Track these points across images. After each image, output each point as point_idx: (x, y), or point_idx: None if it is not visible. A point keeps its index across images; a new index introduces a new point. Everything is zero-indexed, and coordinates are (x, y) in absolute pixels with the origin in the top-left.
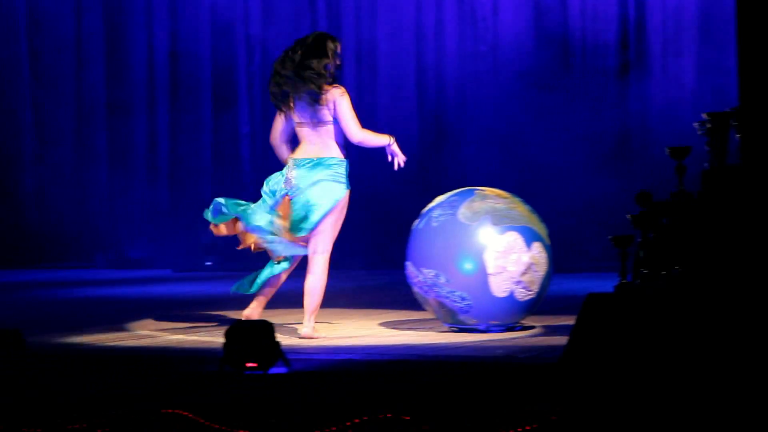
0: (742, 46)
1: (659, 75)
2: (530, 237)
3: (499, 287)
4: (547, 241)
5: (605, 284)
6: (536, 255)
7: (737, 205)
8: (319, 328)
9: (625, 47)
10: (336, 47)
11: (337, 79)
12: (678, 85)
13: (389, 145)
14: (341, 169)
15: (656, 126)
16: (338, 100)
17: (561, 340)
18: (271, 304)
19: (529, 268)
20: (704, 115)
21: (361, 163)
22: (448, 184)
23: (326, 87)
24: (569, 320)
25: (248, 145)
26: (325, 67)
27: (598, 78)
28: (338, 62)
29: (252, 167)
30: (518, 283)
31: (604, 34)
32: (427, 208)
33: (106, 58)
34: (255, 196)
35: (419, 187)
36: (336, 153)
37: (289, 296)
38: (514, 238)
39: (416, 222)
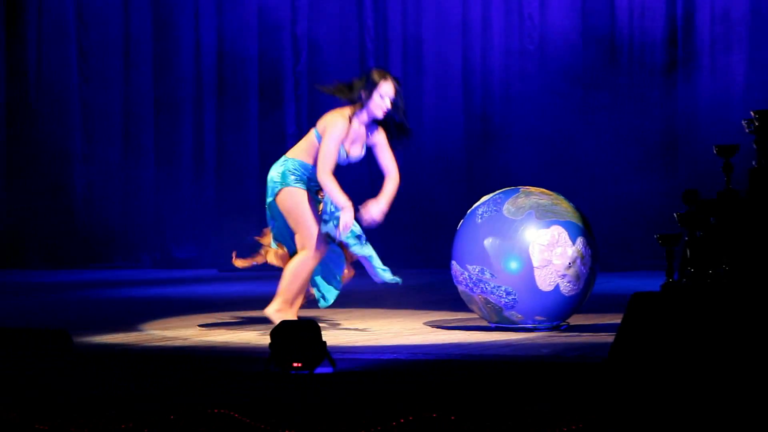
0: None
1: (708, 72)
2: (575, 231)
3: (545, 281)
4: (592, 236)
5: (652, 283)
6: (581, 249)
7: None
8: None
9: (674, 45)
10: (378, 79)
11: (355, 103)
12: (727, 82)
13: (342, 209)
14: (280, 168)
15: (704, 124)
16: (328, 127)
17: (607, 339)
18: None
19: (574, 262)
20: (752, 113)
21: (407, 165)
22: (493, 184)
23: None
24: (615, 319)
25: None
26: (357, 95)
27: (646, 76)
28: (379, 99)
29: None
30: (563, 276)
31: (652, 31)
32: (472, 208)
33: (153, 58)
34: None
35: (465, 187)
36: (292, 154)
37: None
38: (559, 232)
39: (461, 222)
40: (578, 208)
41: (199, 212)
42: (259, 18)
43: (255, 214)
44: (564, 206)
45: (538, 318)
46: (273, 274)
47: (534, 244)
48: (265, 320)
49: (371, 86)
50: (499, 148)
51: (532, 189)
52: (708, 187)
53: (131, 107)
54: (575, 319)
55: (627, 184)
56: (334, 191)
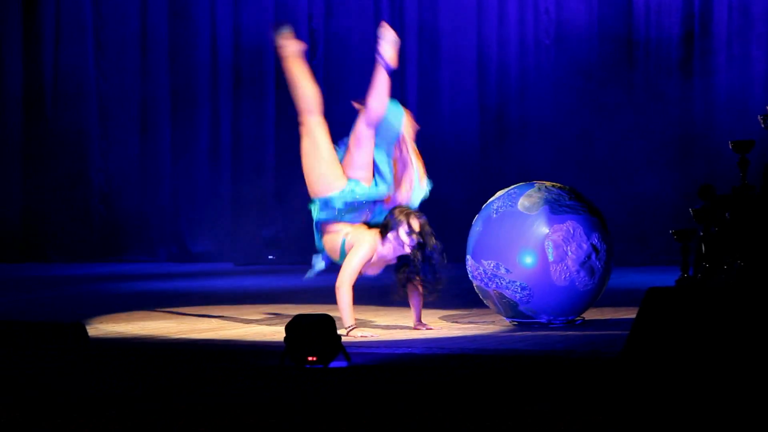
0: None
1: (725, 68)
2: (590, 226)
3: (560, 276)
4: (607, 231)
5: (667, 278)
6: (596, 244)
7: None
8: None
9: (691, 40)
10: (401, 218)
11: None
12: (746, 78)
13: (347, 330)
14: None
15: (721, 120)
16: (356, 243)
17: (622, 334)
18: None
19: (589, 257)
20: None
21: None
22: (508, 179)
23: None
24: (630, 314)
25: None
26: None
27: (662, 72)
28: (405, 236)
29: None
30: (578, 271)
31: (669, 27)
32: (487, 203)
33: (170, 53)
34: None
35: (480, 181)
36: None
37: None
38: (574, 227)
39: (476, 217)
40: (593, 202)
41: (215, 206)
42: (275, 12)
43: (271, 208)
44: (579, 201)
45: (552, 313)
46: (287, 268)
47: (549, 239)
48: (280, 314)
49: (395, 225)
50: (515, 143)
51: (547, 183)
52: (725, 183)
53: (148, 102)
54: (590, 314)
55: (643, 180)
56: (345, 309)
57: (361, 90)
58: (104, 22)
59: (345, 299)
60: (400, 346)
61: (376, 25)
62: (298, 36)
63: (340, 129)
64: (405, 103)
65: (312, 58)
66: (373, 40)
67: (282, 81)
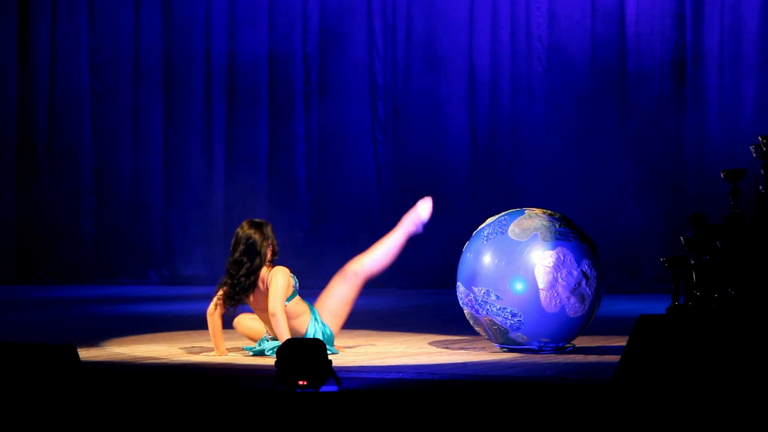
0: None
1: (717, 98)
2: (580, 253)
3: (550, 303)
4: (597, 258)
5: (658, 306)
6: (586, 271)
7: None
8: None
9: (682, 70)
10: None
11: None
12: (737, 107)
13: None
14: None
15: (713, 149)
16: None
17: (612, 361)
18: None
19: (579, 284)
20: (759, 138)
21: (413, 185)
22: (499, 206)
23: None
24: (621, 341)
25: (304, 165)
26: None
27: (654, 100)
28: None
29: (307, 186)
30: (569, 298)
31: (661, 56)
32: (478, 230)
33: (163, 75)
34: (309, 215)
35: (470, 207)
36: None
37: None
38: (564, 254)
39: (467, 244)
40: (584, 229)
41: (207, 229)
42: (270, 38)
43: None
44: (569, 228)
45: (543, 339)
46: None
47: (539, 265)
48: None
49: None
50: (506, 170)
51: (537, 210)
52: (716, 212)
53: (140, 123)
54: (581, 341)
55: (635, 207)
56: (285, 329)
57: (354, 109)
58: (99, 44)
59: (282, 322)
60: (391, 371)
61: (370, 53)
62: (293, 60)
63: (330, 149)
64: (395, 129)
65: (306, 84)
66: (366, 67)
67: (274, 106)
